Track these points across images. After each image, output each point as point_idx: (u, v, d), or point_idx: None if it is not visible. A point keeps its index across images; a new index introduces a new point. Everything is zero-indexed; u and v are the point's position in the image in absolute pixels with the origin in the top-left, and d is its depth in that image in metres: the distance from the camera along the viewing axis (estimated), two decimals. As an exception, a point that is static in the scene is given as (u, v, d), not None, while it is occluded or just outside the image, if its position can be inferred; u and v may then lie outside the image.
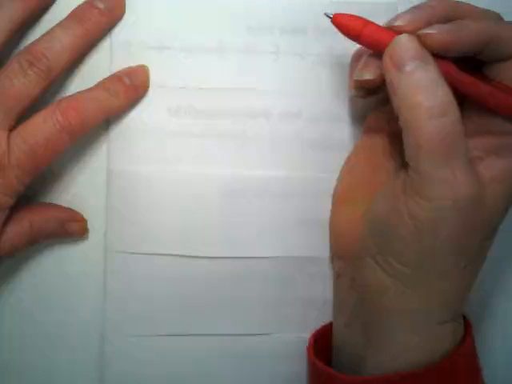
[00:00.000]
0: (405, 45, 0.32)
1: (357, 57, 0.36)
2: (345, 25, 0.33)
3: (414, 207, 0.32)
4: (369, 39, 0.33)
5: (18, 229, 0.37)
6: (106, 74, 0.38)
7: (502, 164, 0.33)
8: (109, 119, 0.38)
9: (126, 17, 0.38)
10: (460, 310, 0.35)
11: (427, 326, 0.34)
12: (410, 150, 0.32)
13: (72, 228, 0.39)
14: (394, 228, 0.33)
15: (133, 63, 0.38)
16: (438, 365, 0.33)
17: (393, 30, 0.32)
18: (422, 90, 0.31)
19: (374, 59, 0.33)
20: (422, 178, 0.32)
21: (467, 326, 0.36)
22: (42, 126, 0.35)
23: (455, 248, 0.33)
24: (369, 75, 0.33)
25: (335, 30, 0.33)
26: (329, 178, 0.39)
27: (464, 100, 0.33)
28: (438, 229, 0.32)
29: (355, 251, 0.36)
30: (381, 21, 0.33)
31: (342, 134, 0.39)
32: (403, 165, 0.34)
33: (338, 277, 0.39)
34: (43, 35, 0.36)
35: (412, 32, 0.32)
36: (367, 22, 0.33)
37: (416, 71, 0.31)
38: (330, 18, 0.33)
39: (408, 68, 0.31)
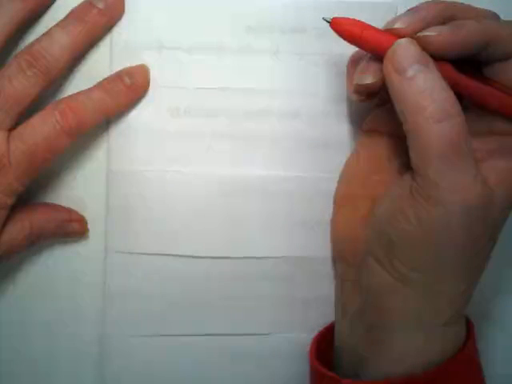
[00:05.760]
0: (405, 49, 0.31)
1: (354, 61, 0.36)
2: (343, 29, 0.33)
3: (422, 212, 0.32)
4: (368, 43, 0.33)
5: (18, 229, 0.37)
6: (106, 74, 0.38)
7: (506, 164, 0.33)
8: (109, 119, 0.38)
9: (126, 16, 0.38)
10: (463, 310, 0.35)
11: (431, 327, 0.34)
12: (416, 155, 0.32)
13: (72, 228, 0.39)
14: (401, 232, 0.33)
15: (133, 63, 0.38)
16: (443, 366, 0.33)
17: (392, 33, 0.32)
18: (426, 95, 0.31)
19: (374, 63, 0.33)
20: (431, 183, 0.31)
21: (469, 326, 0.36)
22: (42, 127, 0.35)
23: (464, 251, 0.32)
24: (369, 79, 0.33)
25: (334, 31, 0.33)
26: (329, 178, 0.39)
27: (464, 101, 0.33)
28: (447, 233, 0.32)
29: (358, 253, 0.36)
30: (381, 21, 0.33)
31: (341, 133, 0.39)
32: (406, 166, 0.34)
33: (340, 279, 0.39)
34: (42, 35, 0.36)
35: (411, 34, 0.32)
36: (366, 26, 0.33)
37: (418, 75, 0.31)
38: (329, 22, 0.33)
39: (410, 73, 0.31)
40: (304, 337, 0.39)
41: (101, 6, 0.37)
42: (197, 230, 0.39)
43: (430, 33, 0.31)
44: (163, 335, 0.39)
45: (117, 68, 0.38)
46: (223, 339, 0.40)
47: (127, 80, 0.37)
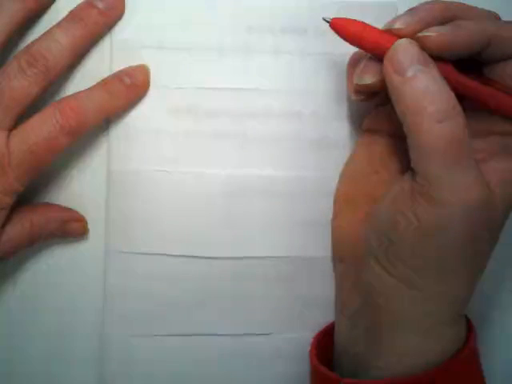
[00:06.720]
0: (405, 50, 0.31)
1: (354, 61, 0.36)
2: (343, 29, 0.33)
3: (423, 212, 0.32)
4: (368, 43, 0.33)
5: (18, 229, 0.37)
6: (106, 74, 0.38)
7: (506, 165, 0.33)
8: (109, 119, 0.38)
9: (126, 16, 0.38)
10: (463, 310, 0.35)
11: (431, 327, 0.34)
12: (416, 155, 0.32)
13: (72, 228, 0.39)
14: (401, 232, 0.33)
15: (133, 63, 0.38)
16: (442, 366, 0.33)
17: (392, 33, 0.32)
18: (426, 95, 0.31)
19: (374, 63, 0.33)
20: (431, 183, 0.31)
21: (469, 326, 0.36)
22: (42, 126, 0.35)
23: (464, 251, 0.32)
24: (369, 79, 0.33)
25: (334, 31, 0.33)
26: (329, 178, 0.39)
27: (464, 101, 0.33)
28: (447, 233, 0.32)
29: (358, 253, 0.36)
30: (381, 21, 0.33)
31: (342, 133, 0.39)
32: (406, 166, 0.34)
33: (340, 279, 0.39)
34: (42, 35, 0.36)
35: (411, 34, 0.32)
36: (366, 26, 0.33)
37: (418, 76, 0.31)
38: (329, 22, 0.33)
39: (410, 73, 0.31)
40: (305, 336, 0.39)
41: (101, 6, 0.37)
42: (197, 230, 0.39)
43: (430, 33, 0.31)
44: (163, 335, 0.39)
45: (117, 68, 0.38)
46: (223, 339, 0.40)
47: (127, 80, 0.37)
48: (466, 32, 0.32)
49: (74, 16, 0.36)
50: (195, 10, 0.38)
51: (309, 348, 0.38)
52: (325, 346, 0.38)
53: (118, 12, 0.37)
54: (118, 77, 0.37)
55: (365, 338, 0.36)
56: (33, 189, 0.39)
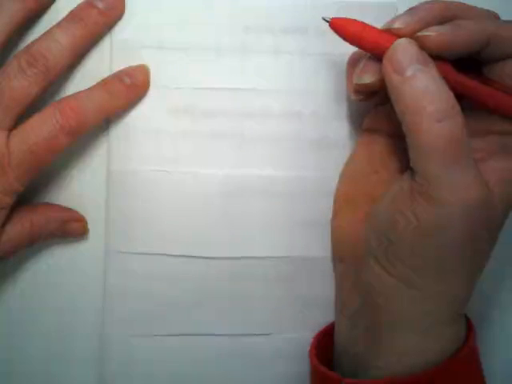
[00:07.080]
0: (404, 49, 0.31)
1: (353, 61, 0.36)
2: (343, 29, 0.33)
3: (422, 212, 0.32)
4: (367, 43, 0.33)
5: (18, 229, 0.37)
6: (106, 74, 0.38)
7: (506, 164, 0.33)
8: (109, 119, 0.38)
9: (126, 16, 0.38)
10: (463, 310, 0.35)
11: (431, 326, 0.34)
12: (415, 154, 0.32)
13: (72, 228, 0.39)
14: (400, 231, 0.33)
15: (133, 63, 0.38)
16: (442, 366, 0.33)
17: (391, 33, 0.32)
18: (425, 94, 0.31)
19: (374, 62, 0.33)
20: (430, 183, 0.31)
21: (469, 326, 0.36)
22: (42, 126, 0.35)
23: (463, 250, 0.32)
24: (369, 79, 0.33)
25: (334, 31, 0.33)
26: (329, 178, 0.39)
27: (463, 101, 0.33)
28: (447, 233, 0.32)
29: (358, 253, 0.36)
30: (381, 21, 0.33)
31: (341, 133, 0.39)
32: (406, 165, 0.34)
33: (340, 279, 0.39)
34: (42, 35, 0.36)
35: (410, 34, 0.32)
36: (365, 26, 0.33)
37: (417, 75, 0.31)
38: (328, 22, 0.33)
39: (409, 73, 0.31)
40: (305, 336, 0.39)
41: (101, 6, 0.37)
42: (197, 230, 0.39)
43: (430, 33, 0.32)
44: (163, 335, 0.39)
45: (117, 68, 0.38)
46: (223, 339, 0.40)
47: (127, 80, 0.37)
48: (465, 32, 0.32)
49: (74, 16, 0.36)
50: (194, 10, 0.38)
51: (308, 348, 0.38)
52: (325, 346, 0.38)
53: (117, 12, 0.38)
54: (117, 77, 0.37)
55: (365, 337, 0.36)
56: (33, 189, 0.39)
